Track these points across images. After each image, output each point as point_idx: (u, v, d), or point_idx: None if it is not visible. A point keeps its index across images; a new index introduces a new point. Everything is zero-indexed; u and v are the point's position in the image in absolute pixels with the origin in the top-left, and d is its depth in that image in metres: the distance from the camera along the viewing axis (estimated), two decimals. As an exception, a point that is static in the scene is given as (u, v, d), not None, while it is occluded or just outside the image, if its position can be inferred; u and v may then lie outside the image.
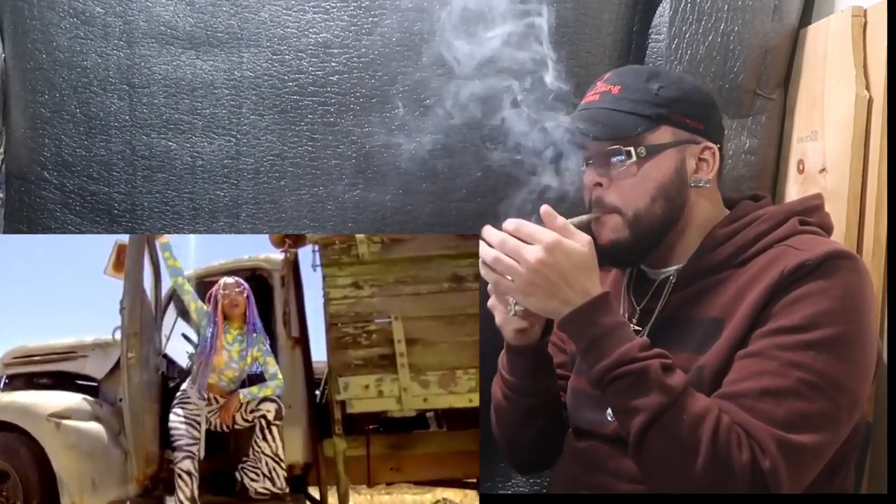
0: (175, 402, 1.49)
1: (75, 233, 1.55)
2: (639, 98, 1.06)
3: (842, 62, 1.28)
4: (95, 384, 1.60)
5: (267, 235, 1.59)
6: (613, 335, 0.95)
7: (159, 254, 1.56)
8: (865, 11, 1.26)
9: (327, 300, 1.52)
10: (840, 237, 1.20)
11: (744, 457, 0.88)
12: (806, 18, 1.47)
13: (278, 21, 1.53)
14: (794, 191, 1.42)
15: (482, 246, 0.99)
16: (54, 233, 1.55)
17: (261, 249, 1.64)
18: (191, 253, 1.59)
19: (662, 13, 1.49)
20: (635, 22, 1.53)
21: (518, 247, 0.96)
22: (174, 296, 1.64)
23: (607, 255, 1.07)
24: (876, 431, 1.15)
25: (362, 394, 1.49)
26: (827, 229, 1.08)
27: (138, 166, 1.55)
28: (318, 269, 1.53)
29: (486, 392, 1.26)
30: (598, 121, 1.06)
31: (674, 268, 1.10)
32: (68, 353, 1.65)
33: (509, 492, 1.58)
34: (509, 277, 0.97)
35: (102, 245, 1.56)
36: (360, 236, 1.51)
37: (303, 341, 1.60)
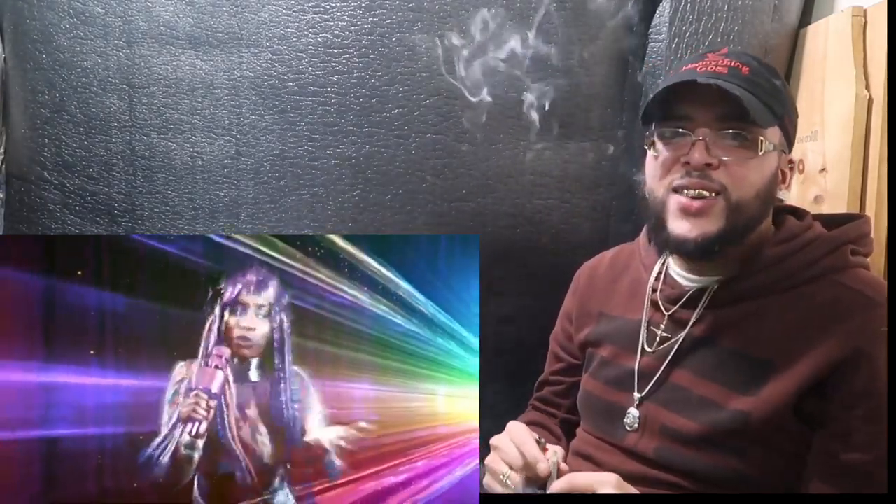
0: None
1: (75, 233, 1.55)
2: (770, 91, 1.00)
3: (842, 62, 1.28)
4: None
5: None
6: None
7: None
8: (865, 11, 1.26)
9: None
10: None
11: None
12: (806, 18, 1.47)
13: (278, 21, 1.53)
14: (794, 190, 1.42)
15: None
16: (54, 233, 1.55)
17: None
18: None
19: (662, 13, 1.49)
20: (635, 22, 1.53)
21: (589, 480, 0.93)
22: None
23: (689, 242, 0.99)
24: (876, 431, 1.15)
25: None
26: (869, 255, 1.05)
27: (138, 166, 1.55)
28: None
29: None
30: (745, 98, 0.96)
31: (712, 278, 1.04)
32: None
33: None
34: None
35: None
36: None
37: None
